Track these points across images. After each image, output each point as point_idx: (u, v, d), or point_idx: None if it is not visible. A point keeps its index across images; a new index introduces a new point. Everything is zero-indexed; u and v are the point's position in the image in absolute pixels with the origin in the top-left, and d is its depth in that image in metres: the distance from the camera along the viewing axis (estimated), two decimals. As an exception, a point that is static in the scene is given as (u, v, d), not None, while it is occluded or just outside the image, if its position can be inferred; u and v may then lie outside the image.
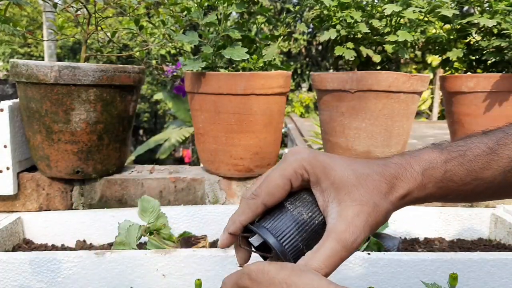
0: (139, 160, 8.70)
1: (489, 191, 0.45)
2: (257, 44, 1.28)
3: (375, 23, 1.24)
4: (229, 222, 0.45)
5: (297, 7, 1.34)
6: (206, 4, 1.18)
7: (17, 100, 1.17)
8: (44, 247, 1.10)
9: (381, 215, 0.42)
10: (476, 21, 1.22)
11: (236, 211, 0.45)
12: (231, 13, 1.15)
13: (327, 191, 0.42)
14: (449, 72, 1.43)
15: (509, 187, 0.44)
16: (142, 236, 0.96)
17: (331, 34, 1.22)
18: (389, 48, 1.25)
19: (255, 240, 0.44)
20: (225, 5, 1.13)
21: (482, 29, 1.32)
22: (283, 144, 7.13)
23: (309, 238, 0.43)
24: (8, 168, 1.13)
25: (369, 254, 0.86)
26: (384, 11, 1.18)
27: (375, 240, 0.97)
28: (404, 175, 0.43)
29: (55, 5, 1.21)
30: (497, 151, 0.43)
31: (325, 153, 0.45)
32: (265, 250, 0.44)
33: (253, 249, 0.45)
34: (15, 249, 1.07)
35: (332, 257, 0.39)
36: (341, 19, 1.23)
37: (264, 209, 0.44)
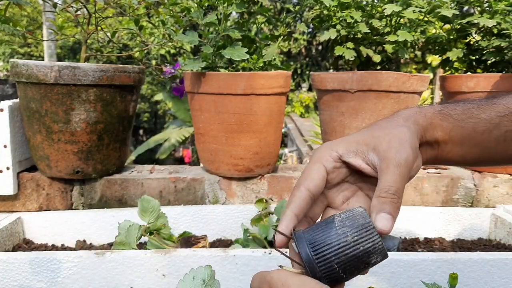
0: (139, 160, 8.70)
1: (492, 134, 0.47)
2: (257, 44, 1.28)
3: (375, 23, 1.24)
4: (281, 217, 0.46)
5: (297, 7, 1.34)
6: (206, 4, 1.18)
7: (17, 100, 1.17)
8: (44, 247, 1.10)
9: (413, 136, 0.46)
10: (476, 21, 1.22)
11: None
12: (231, 13, 1.15)
13: (366, 152, 0.46)
14: (449, 72, 1.43)
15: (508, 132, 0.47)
16: (142, 236, 0.96)
17: (331, 34, 1.23)
18: (389, 48, 1.25)
19: (295, 247, 0.42)
20: (225, 5, 1.13)
21: (482, 29, 1.32)
22: (283, 144, 7.13)
23: (348, 263, 0.39)
24: (8, 168, 1.13)
25: (369, 254, 0.86)
26: (384, 11, 1.18)
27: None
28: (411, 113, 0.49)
29: (55, 5, 1.21)
30: (492, 101, 0.48)
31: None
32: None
33: (288, 254, 0.44)
34: (15, 249, 1.07)
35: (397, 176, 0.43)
36: (341, 19, 1.23)
37: (310, 196, 0.45)
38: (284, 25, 1.32)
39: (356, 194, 0.49)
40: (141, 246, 1.01)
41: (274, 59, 1.23)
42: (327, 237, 0.40)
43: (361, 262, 0.40)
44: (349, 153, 0.46)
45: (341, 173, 0.47)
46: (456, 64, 1.40)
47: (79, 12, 1.23)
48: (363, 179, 0.48)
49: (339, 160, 0.46)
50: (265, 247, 1.04)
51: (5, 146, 1.12)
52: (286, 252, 0.45)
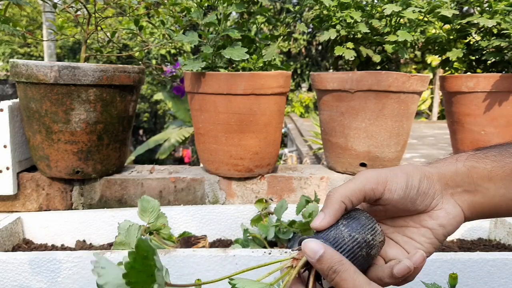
0: (139, 160, 8.70)
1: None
2: (257, 44, 1.28)
3: (375, 23, 1.24)
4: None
5: (297, 7, 1.34)
6: (206, 4, 1.18)
7: (17, 100, 1.17)
8: (44, 247, 1.10)
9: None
10: (476, 21, 1.23)
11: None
12: (231, 13, 1.15)
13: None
14: (449, 72, 1.43)
15: None
16: (142, 236, 0.96)
17: (331, 34, 1.23)
18: (389, 48, 1.25)
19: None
20: (225, 5, 1.13)
21: (482, 29, 1.32)
22: (283, 144, 7.13)
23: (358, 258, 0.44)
24: (8, 168, 1.13)
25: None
26: (384, 11, 1.18)
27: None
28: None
29: (55, 5, 1.21)
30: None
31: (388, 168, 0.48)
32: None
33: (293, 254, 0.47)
34: (15, 249, 1.07)
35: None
36: (341, 19, 1.23)
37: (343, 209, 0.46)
38: (284, 25, 1.32)
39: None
40: (141, 246, 1.01)
41: (274, 59, 1.23)
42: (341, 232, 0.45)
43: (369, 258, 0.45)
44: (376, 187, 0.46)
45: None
46: (456, 64, 1.40)
47: (79, 12, 1.23)
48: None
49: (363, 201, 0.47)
50: (265, 247, 1.04)
51: (5, 146, 1.12)
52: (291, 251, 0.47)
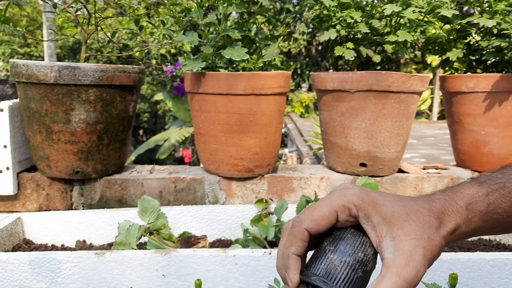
0: (139, 160, 8.71)
1: None
2: (257, 44, 1.28)
3: (375, 23, 1.24)
4: (279, 259, 0.45)
5: (297, 7, 1.34)
6: (206, 4, 1.18)
7: (17, 100, 1.17)
8: (44, 247, 1.10)
9: (436, 249, 0.42)
10: (476, 21, 1.23)
11: (282, 244, 0.45)
12: (231, 13, 1.15)
13: (379, 226, 0.42)
14: (449, 72, 1.43)
15: None
16: (142, 236, 0.96)
17: (331, 34, 1.23)
18: (389, 48, 1.25)
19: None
20: (225, 5, 1.13)
21: (482, 29, 1.32)
22: (283, 144, 7.13)
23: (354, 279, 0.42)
24: (8, 168, 1.13)
25: (369, 254, 0.86)
26: (384, 11, 1.18)
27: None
28: (450, 210, 0.43)
29: (55, 5, 1.21)
30: None
31: (373, 190, 0.45)
32: None
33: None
34: (15, 249, 1.07)
35: None
36: (341, 19, 1.23)
37: (308, 237, 0.43)
38: (284, 25, 1.32)
39: None
40: (141, 246, 1.01)
41: (274, 59, 1.23)
42: (330, 263, 0.42)
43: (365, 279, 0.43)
44: (368, 221, 0.43)
45: (346, 222, 0.44)
46: (456, 64, 1.40)
47: (79, 12, 1.23)
48: None
49: (355, 218, 0.43)
50: (265, 247, 1.04)
51: (5, 146, 1.12)
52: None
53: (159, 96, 9.19)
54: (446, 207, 0.43)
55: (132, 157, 8.46)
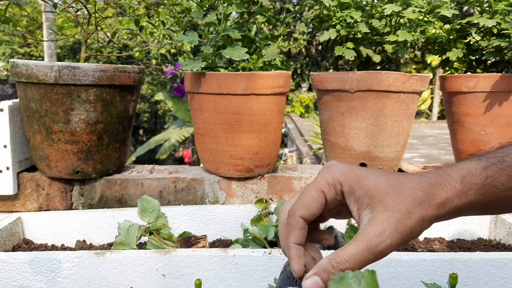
0: (140, 160, 8.71)
1: None
2: (257, 44, 1.28)
3: (375, 23, 1.24)
4: (284, 250, 0.45)
5: (297, 7, 1.34)
6: (206, 4, 1.18)
7: (17, 100, 1.17)
8: (44, 247, 1.10)
9: (415, 222, 0.41)
10: (475, 21, 1.23)
11: (282, 237, 0.45)
12: (231, 13, 1.15)
13: (361, 199, 0.43)
14: (449, 72, 1.43)
15: None
16: (142, 236, 0.96)
17: (331, 34, 1.23)
18: (389, 48, 1.25)
19: None
20: (225, 5, 1.13)
21: (482, 29, 1.32)
22: (283, 144, 7.13)
23: None
24: (8, 168, 1.13)
25: (369, 254, 0.86)
26: (384, 11, 1.18)
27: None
28: (442, 183, 0.43)
29: (55, 5, 1.21)
30: None
31: (358, 167, 0.46)
32: None
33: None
34: (15, 249, 1.07)
35: (355, 255, 0.40)
36: (341, 19, 1.23)
37: (304, 224, 0.44)
38: (284, 25, 1.32)
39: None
40: (141, 246, 1.01)
41: (274, 59, 1.24)
42: None
43: None
44: (351, 195, 0.43)
45: (336, 201, 0.45)
46: (456, 64, 1.40)
47: (79, 12, 1.23)
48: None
49: (341, 193, 0.44)
50: (265, 247, 1.04)
51: (5, 146, 1.12)
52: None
53: (159, 96, 9.19)
54: (438, 181, 0.43)
55: (133, 158, 8.47)
